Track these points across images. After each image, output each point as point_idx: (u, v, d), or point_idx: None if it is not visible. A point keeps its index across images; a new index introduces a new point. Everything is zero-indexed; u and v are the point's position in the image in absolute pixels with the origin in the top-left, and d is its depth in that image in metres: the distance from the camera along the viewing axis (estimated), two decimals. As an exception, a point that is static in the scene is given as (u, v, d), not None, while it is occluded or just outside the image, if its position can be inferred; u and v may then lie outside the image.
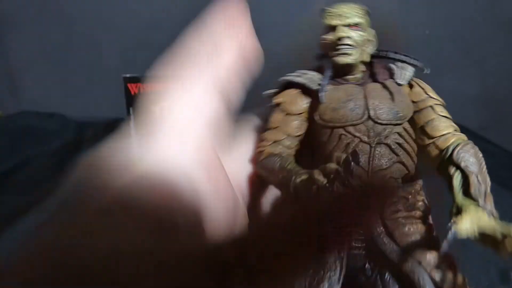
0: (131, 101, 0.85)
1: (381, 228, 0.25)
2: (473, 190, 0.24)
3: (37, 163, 0.96)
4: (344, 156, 0.24)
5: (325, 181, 0.23)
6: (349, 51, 0.29)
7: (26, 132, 1.11)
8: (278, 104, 0.32)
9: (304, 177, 0.25)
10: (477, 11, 1.22)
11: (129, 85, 0.84)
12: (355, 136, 0.27)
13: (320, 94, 0.28)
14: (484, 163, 0.26)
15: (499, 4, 1.22)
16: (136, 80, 0.84)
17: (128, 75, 0.83)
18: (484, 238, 0.21)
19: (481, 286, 0.58)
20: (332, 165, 0.23)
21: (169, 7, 1.18)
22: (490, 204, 0.24)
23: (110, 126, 1.31)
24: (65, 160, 0.98)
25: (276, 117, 0.31)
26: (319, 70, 0.32)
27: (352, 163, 0.22)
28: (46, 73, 1.27)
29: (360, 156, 0.26)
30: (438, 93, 0.33)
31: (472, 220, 0.21)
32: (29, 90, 1.30)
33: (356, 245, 0.25)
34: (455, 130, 0.29)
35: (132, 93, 0.84)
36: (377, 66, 0.32)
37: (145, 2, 1.18)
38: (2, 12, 1.20)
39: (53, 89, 1.29)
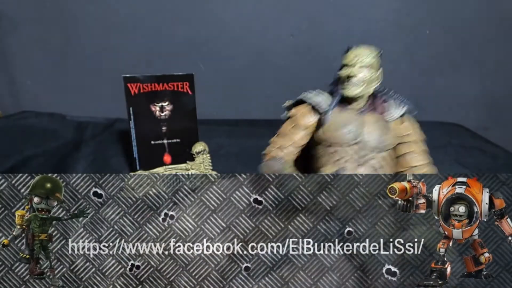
0: (131, 101, 0.85)
1: None
2: None
3: (37, 163, 0.96)
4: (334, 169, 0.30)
5: None
6: (355, 87, 0.35)
7: (26, 132, 1.11)
8: (290, 116, 0.38)
9: None
10: (477, 11, 1.23)
11: (129, 85, 0.84)
12: (344, 156, 0.35)
13: (325, 117, 0.35)
14: None
15: (499, 4, 1.22)
16: (136, 80, 0.84)
17: (128, 75, 0.83)
18: None
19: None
20: None
21: (169, 8, 1.19)
22: None
23: (110, 126, 1.32)
24: (65, 160, 0.98)
25: (287, 126, 0.38)
26: (332, 93, 0.38)
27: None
28: (46, 73, 1.27)
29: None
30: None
31: None
32: (29, 90, 1.30)
33: None
34: (428, 163, 0.37)
35: (132, 93, 0.84)
36: (378, 100, 0.38)
37: (145, 3, 1.18)
38: (2, 12, 1.20)
39: (53, 89, 1.29)
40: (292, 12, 1.21)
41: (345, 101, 0.37)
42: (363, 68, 0.35)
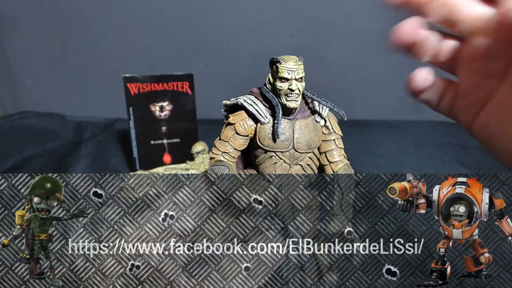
0: (131, 101, 0.85)
1: None
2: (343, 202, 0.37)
3: (37, 163, 0.96)
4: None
5: None
6: (295, 100, 0.39)
7: (26, 132, 1.11)
8: (230, 122, 0.42)
9: None
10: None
11: (128, 85, 0.84)
12: (280, 158, 0.40)
13: (276, 131, 0.39)
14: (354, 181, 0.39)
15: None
16: (136, 80, 0.84)
17: (128, 75, 0.83)
18: None
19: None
20: None
21: (169, 8, 1.19)
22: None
23: (109, 126, 1.32)
24: (65, 160, 0.98)
25: (228, 133, 0.42)
26: (266, 100, 0.42)
27: None
28: (46, 73, 1.27)
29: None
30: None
31: None
32: (29, 90, 1.30)
33: None
34: (344, 157, 0.43)
35: (132, 93, 0.85)
36: (304, 104, 0.42)
37: (145, 2, 1.18)
38: (2, 12, 1.20)
39: (53, 89, 1.29)
40: (292, 12, 1.21)
41: (282, 113, 0.41)
42: (298, 80, 0.40)
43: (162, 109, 0.87)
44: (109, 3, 1.18)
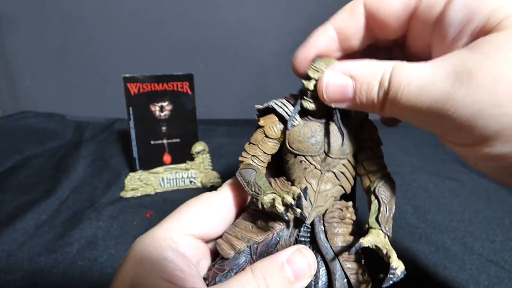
0: (131, 101, 0.85)
1: (321, 227, 0.36)
2: (380, 216, 0.34)
3: (37, 163, 0.96)
4: (298, 191, 0.32)
5: (282, 209, 0.32)
6: (311, 99, 0.37)
7: (26, 132, 1.11)
8: (260, 125, 0.40)
9: (269, 200, 0.33)
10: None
11: (128, 85, 0.84)
12: (311, 164, 0.37)
13: (288, 127, 0.37)
14: (395, 193, 0.36)
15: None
16: (136, 80, 0.84)
17: (128, 75, 0.83)
18: (378, 250, 0.32)
19: (481, 286, 0.58)
20: (289, 199, 0.32)
21: (169, 8, 1.18)
22: (388, 228, 0.34)
23: (109, 126, 1.31)
24: (65, 160, 0.98)
25: (257, 136, 0.40)
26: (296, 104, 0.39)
27: (302, 198, 0.31)
28: (46, 73, 1.27)
29: (309, 188, 0.36)
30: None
31: (373, 238, 0.32)
32: (29, 90, 1.30)
33: (304, 235, 0.37)
34: (383, 167, 0.38)
35: (132, 93, 0.84)
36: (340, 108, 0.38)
37: (145, 2, 1.18)
38: (2, 12, 1.20)
39: (53, 89, 1.29)
40: (292, 12, 1.21)
41: (308, 112, 0.38)
42: None
43: (162, 109, 0.87)
44: (109, 3, 1.18)
